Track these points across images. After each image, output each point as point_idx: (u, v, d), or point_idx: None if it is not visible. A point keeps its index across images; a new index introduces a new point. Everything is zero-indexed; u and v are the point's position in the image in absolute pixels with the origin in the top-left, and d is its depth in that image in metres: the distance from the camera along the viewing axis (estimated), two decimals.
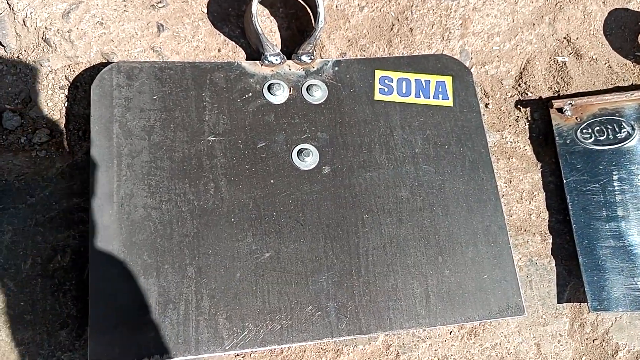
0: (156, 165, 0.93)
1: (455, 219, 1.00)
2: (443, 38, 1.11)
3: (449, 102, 1.07)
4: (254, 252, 0.93)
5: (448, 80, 1.08)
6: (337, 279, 0.94)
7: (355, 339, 0.95)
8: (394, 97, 1.06)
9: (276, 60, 1.04)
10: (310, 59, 1.05)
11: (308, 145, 1.01)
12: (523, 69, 1.12)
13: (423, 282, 0.96)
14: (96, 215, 0.89)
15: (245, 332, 0.89)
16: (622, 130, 1.06)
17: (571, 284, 0.98)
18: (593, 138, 1.06)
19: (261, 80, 1.03)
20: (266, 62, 1.03)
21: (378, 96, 1.06)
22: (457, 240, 0.99)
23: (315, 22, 1.02)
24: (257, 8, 1.00)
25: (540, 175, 1.05)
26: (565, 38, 1.15)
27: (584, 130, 1.06)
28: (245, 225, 0.94)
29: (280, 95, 1.02)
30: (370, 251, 0.96)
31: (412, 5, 1.12)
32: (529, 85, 1.11)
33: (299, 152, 1.00)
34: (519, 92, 1.11)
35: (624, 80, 1.14)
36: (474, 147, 1.04)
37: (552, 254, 1.00)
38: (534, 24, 1.15)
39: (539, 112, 1.09)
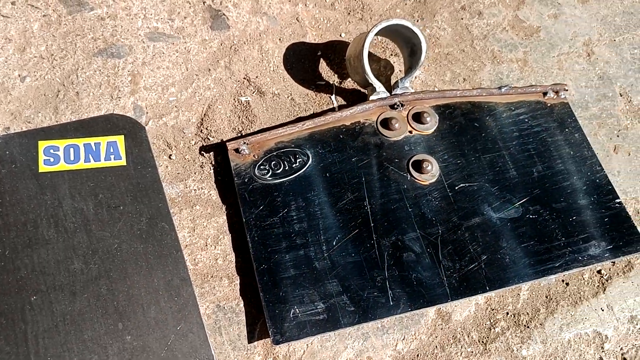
0: None
1: (135, 281, 0.98)
2: (112, 97, 1.09)
3: (122, 162, 1.05)
4: None
5: (120, 140, 1.06)
6: None
7: None
8: (62, 166, 1.03)
9: None
10: None
11: None
12: (204, 114, 1.13)
13: (103, 355, 0.92)
14: None
15: None
16: (298, 160, 1.10)
17: (261, 321, 1.00)
18: (270, 172, 1.09)
19: None
20: None
21: (43, 168, 1.02)
22: (137, 302, 0.96)
23: None
24: None
25: (225, 217, 1.06)
26: (245, 78, 1.18)
27: (261, 167, 1.09)
28: None
29: None
30: (41, 334, 0.91)
31: (78, 69, 1.10)
32: (211, 130, 1.12)
33: None
34: (202, 138, 1.12)
35: (305, 110, 1.19)
36: (151, 203, 1.03)
37: (240, 295, 1.01)
38: (209, 70, 1.17)
39: (222, 155, 1.11)
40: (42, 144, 1.03)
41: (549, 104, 1.23)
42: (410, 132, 1.17)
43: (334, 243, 1.05)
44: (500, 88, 1.21)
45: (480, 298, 1.09)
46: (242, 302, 1.01)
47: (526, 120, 1.21)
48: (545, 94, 1.24)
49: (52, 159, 1.03)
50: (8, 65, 1.07)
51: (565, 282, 1.13)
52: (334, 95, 1.23)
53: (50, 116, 1.06)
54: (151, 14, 1.18)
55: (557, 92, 1.24)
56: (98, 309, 0.95)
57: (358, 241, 1.06)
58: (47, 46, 1.10)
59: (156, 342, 0.95)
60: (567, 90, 1.24)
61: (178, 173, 1.09)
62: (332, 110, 1.21)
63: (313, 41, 1.27)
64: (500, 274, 1.05)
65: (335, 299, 1.00)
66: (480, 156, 1.16)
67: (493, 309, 1.09)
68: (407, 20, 1.14)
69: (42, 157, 1.02)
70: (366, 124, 1.17)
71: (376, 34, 1.21)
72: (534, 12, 1.39)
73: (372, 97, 1.18)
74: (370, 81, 1.16)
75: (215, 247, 1.04)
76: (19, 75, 1.07)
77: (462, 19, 1.36)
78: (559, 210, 1.12)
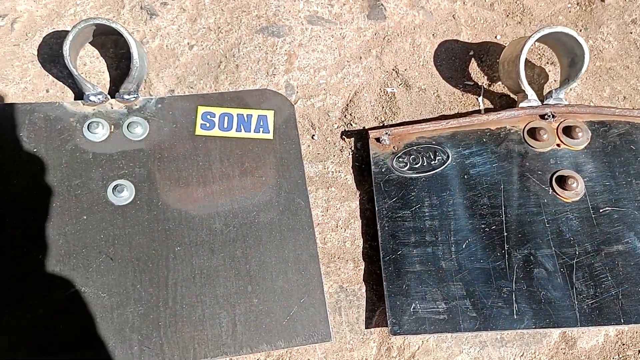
0: None
1: (267, 249, 1.03)
2: (268, 73, 1.15)
3: (270, 135, 1.10)
4: (59, 288, 0.95)
5: (270, 114, 1.12)
6: (144, 311, 0.96)
7: None
8: (215, 132, 1.10)
9: (98, 99, 1.07)
10: (134, 97, 1.09)
11: (124, 181, 1.04)
12: (350, 100, 1.16)
13: (231, 312, 0.98)
14: None
15: None
16: (437, 158, 1.10)
17: (380, 309, 1.01)
18: (408, 166, 1.09)
19: (82, 119, 1.07)
20: (88, 101, 1.07)
21: (199, 131, 1.09)
22: (267, 269, 1.01)
23: (132, 62, 1.06)
24: (69, 49, 1.04)
25: (358, 203, 1.08)
26: (393, 69, 1.20)
27: (400, 159, 1.10)
28: (53, 262, 0.97)
29: (99, 133, 1.06)
30: (180, 283, 0.99)
31: (240, 43, 1.17)
32: (355, 117, 1.15)
33: (114, 188, 1.02)
34: (345, 123, 1.15)
35: (450, 109, 1.18)
36: (291, 178, 1.07)
37: (363, 280, 1.03)
38: (360, 58, 1.19)
39: (362, 142, 1.13)
40: (201, 109, 1.11)
41: None
42: (558, 145, 1.12)
43: (463, 246, 1.03)
44: None
45: (611, 329, 1.03)
46: (365, 287, 1.03)
47: None
48: None
49: (208, 124, 1.10)
50: (180, 34, 1.16)
51: None
52: (481, 97, 1.20)
53: (210, 84, 1.14)
54: None
55: None
56: (232, 269, 1.01)
57: (488, 248, 1.03)
58: (215, 19, 1.18)
59: (280, 310, 0.99)
60: None
61: (318, 153, 1.12)
62: (478, 112, 1.19)
63: (467, 40, 1.25)
64: (638, 309, 0.98)
65: (457, 302, 0.99)
66: (633, 181, 1.09)
67: (624, 344, 1.02)
68: (572, 29, 1.09)
69: (199, 121, 1.10)
70: (512, 131, 1.13)
71: (536, 40, 1.17)
72: None
73: (522, 104, 1.14)
74: (522, 87, 1.13)
75: (345, 230, 1.06)
76: (188, 44, 1.15)
77: (631, 33, 1.27)
78: None
